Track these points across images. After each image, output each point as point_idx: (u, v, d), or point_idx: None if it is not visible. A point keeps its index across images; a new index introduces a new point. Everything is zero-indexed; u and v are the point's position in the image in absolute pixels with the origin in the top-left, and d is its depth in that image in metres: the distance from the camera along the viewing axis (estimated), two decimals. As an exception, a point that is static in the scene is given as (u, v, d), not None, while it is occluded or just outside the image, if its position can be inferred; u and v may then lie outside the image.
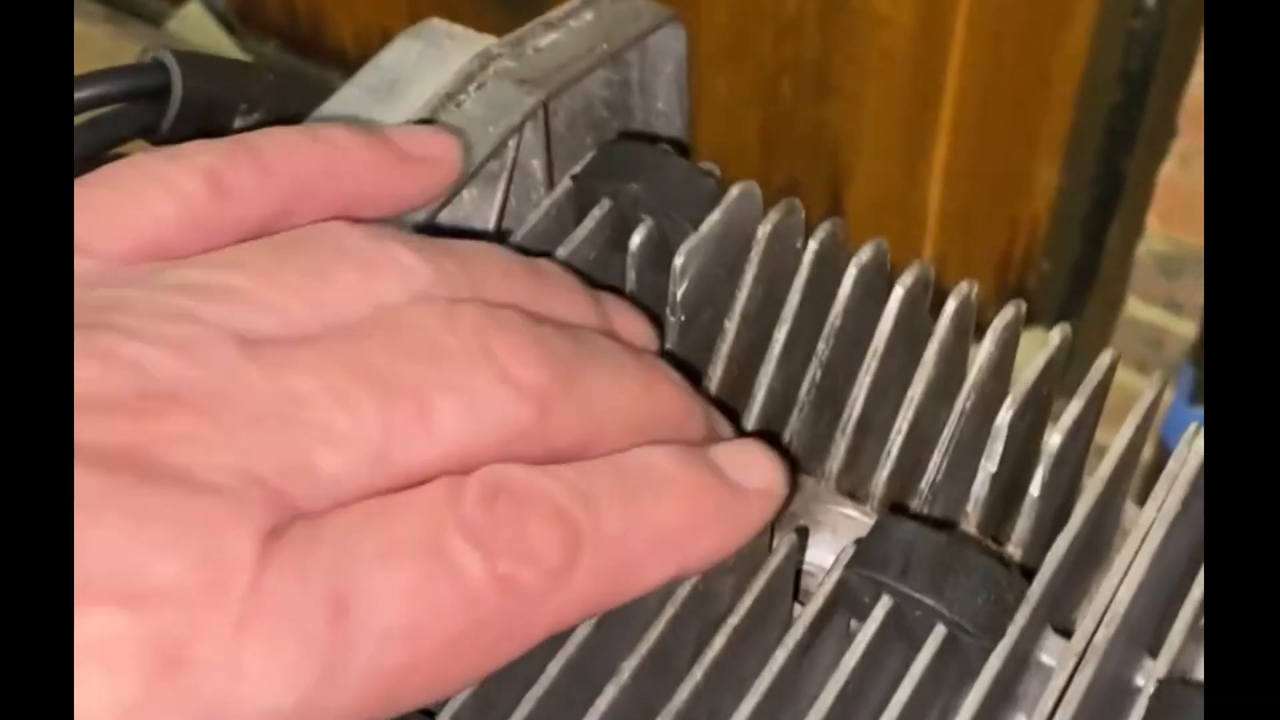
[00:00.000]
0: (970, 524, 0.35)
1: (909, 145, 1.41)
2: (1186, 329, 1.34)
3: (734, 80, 1.42)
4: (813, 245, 0.36)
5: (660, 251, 0.37)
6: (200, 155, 0.30)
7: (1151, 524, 0.31)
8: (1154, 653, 0.31)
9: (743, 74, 1.41)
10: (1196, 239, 1.30)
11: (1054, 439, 0.33)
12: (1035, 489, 0.33)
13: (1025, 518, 0.34)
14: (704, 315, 0.38)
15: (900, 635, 0.31)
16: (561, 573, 0.27)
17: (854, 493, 0.37)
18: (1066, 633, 0.32)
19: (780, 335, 0.37)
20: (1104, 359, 0.34)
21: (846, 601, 0.32)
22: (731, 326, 0.37)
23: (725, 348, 0.37)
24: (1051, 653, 0.32)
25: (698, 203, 0.37)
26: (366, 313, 0.29)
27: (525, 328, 0.29)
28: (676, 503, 0.30)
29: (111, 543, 0.24)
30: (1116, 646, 0.30)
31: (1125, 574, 0.31)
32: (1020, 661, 0.32)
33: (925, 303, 0.37)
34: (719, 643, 0.31)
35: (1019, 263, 1.45)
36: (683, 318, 0.37)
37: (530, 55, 0.40)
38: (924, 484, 0.36)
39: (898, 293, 0.35)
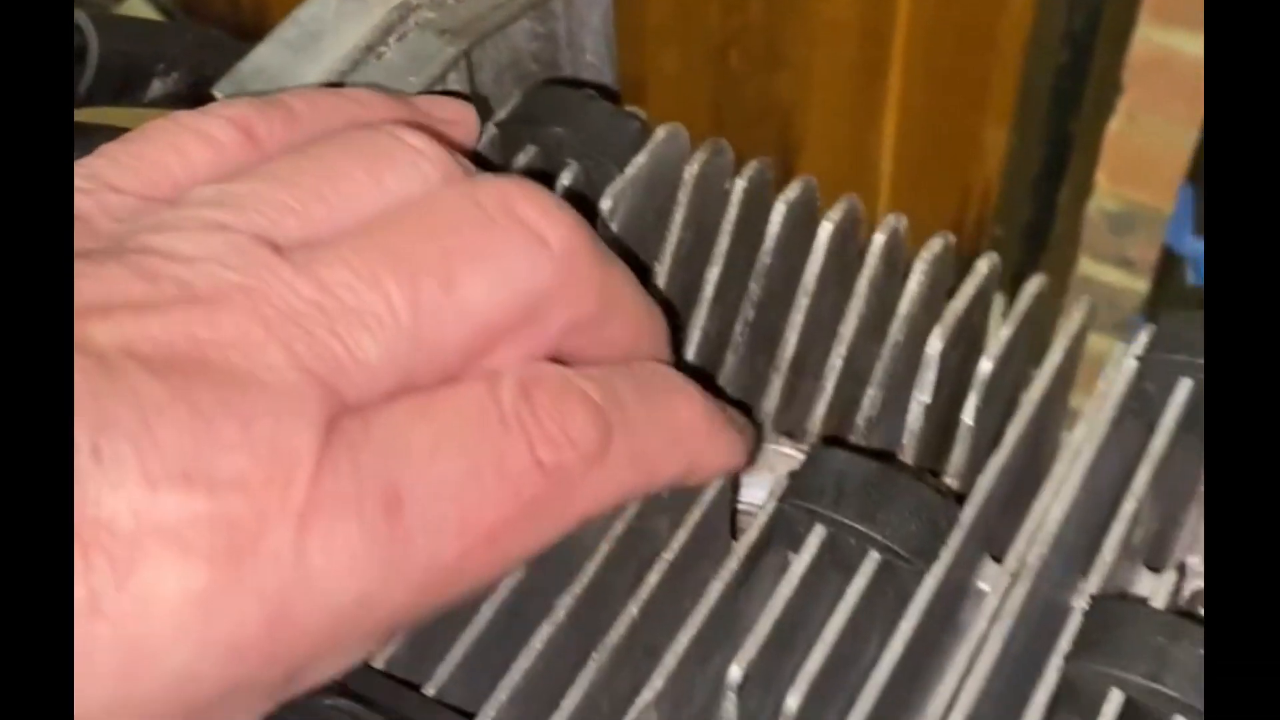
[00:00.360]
0: (907, 457, 0.35)
1: (859, 114, 1.41)
2: (1139, 285, 1.34)
3: (682, 53, 1.41)
4: (740, 184, 0.36)
5: (588, 196, 0.37)
6: (232, 108, 0.31)
7: (1082, 443, 0.31)
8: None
9: (690, 47, 1.41)
10: (1145, 195, 1.31)
11: (985, 365, 0.33)
12: (968, 416, 0.33)
13: (960, 446, 0.34)
14: (636, 260, 0.38)
15: (837, 565, 0.31)
16: (596, 456, 0.28)
17: (792, 432, 0.37)
18: (1006, 561, 0.32)
19: (712, 276, 0.37)
20: (1031, 285, 0.34)
21: (782, 533, 0.32)
22: (663, 270, 0.37)
23: (657, 292, 0.37)
24: (989, 579, 0.32)
25: (623, 145, 0.37)
26: (387, 204, 0.29)
27: (547, 194, 0.30)
28: (685, 404, 0.31)
29: (181, 440, 0.24)
30: (1050, 567, 0.30)
31: (1056, 494, 0.31)
32: (959, 588, 0.32)
33: (856, 239, 0.37)
34: (654, 578, 0.30)
35: (972, 227, 1.45)
36: (614, 263, 0.37)
37: (451, 5, 0.39)
38: (860, 420, 0.36)
39: (825, 228, 0.35)
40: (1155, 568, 0.33)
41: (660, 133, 0.37)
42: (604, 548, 0.31)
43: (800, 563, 0.31)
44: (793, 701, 0.28)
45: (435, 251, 0.28)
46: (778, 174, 0.38)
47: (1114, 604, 0.29)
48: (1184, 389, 0.32)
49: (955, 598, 0.32)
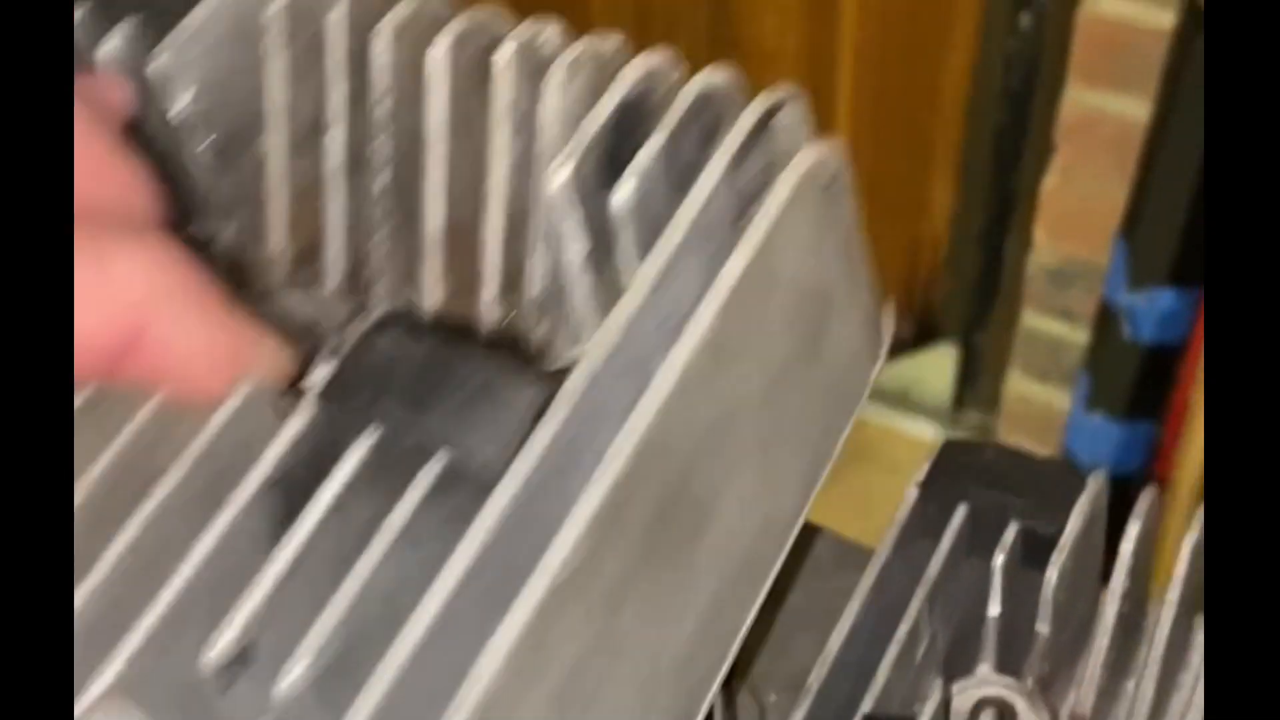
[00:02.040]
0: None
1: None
2: (1081, 337, 1.27)
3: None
4: (338, 17, 0.25)
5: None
6: None
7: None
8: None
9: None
10: (1081, 250, 1.25)
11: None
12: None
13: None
14: (246, 149, 0.27)
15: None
16: None
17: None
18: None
19: (338, 136, 0.26)
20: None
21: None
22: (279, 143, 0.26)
23: (274, 175, 0.27)
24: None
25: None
26: None
27: None
28: (125, 256, 0.23)
29: None
30: (831, 688, 0.27)
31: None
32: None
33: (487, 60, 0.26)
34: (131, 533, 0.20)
35: (923, 281, 1.40)
36: (206, 145, 0.26)
37: None
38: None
39: (439, 45, 0.24)
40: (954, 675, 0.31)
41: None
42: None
43: (331, 485, 0.20)
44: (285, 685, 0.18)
45: None
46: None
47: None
48: (960, 514, 0.31)
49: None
